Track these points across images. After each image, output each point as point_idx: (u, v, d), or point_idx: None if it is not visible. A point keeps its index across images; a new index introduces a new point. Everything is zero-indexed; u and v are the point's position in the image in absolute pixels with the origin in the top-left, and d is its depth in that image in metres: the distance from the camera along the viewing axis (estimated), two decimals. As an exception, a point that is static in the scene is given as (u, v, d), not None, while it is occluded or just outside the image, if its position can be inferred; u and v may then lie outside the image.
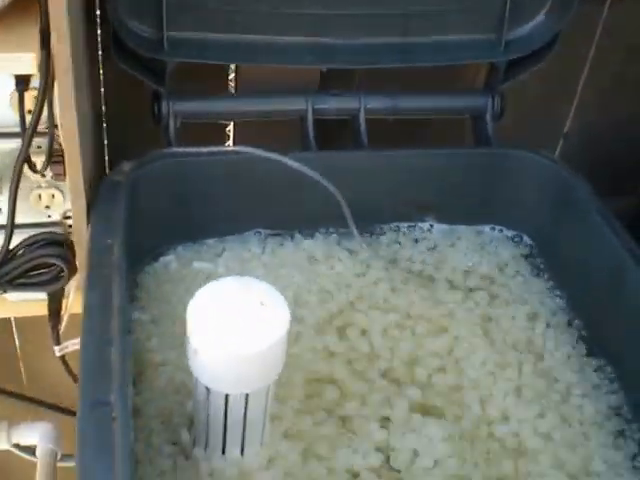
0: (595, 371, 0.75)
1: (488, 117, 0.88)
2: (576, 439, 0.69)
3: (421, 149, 0.86)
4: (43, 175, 0.73)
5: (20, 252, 0.75)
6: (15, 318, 1.09)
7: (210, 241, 0.84)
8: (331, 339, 0.75)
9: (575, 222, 0.81)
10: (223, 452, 0.64)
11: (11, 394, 1.02)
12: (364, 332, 0.77)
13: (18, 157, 0.69)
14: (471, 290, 0.82)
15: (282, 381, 0.69)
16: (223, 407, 0.60)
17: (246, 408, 0.60)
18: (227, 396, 0.59)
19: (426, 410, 0.70)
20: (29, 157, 0.70)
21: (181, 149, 0.79)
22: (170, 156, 0.78)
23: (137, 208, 0.75)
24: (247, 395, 0.59)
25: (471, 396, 0.71)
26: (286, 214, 0.84)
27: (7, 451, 0.99)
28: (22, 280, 0.76)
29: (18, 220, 0.80)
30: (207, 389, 0.59)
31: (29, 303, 0.84)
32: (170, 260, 0.81)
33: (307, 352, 0.73)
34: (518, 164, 0.85)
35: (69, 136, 0.63)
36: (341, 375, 0.72)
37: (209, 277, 0.80)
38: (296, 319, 0.75)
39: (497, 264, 0.86)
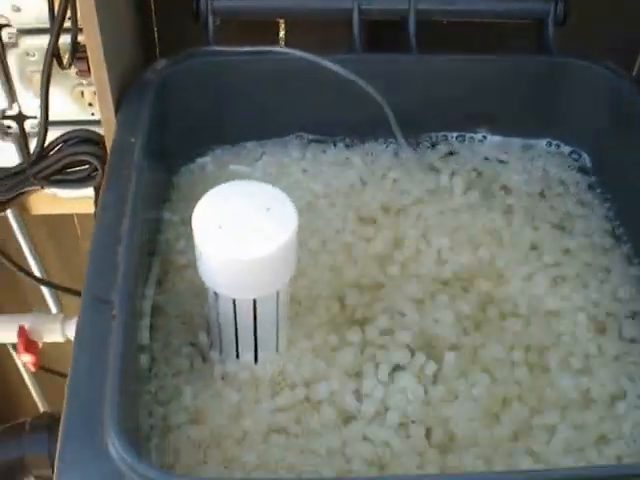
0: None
1: (550, 22, 0.81)
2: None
3: (474, 54, 0.81)
4: (75, 71, 0.72)
5: (56, 149, 0.75)
6: (77, 215, 1.11)
7: (249, 144, 0.82)
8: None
9: (636, 141, 0.75)
10: (237, 357, 0.63)
11: (68, 290, 1.05)
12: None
13: (47, 51, 0.68)
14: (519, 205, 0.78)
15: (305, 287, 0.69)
16: (232, 312, 0.59)
17: (255, 314, 0.59)
18: (234, 301, 0.58)
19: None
20: (58, 52, 0.69)
21: (218, 47, 0.77)
22: (206, 54, 0.76)
23: (170, 108, 0.74)
24: (254, 301, 0.58)
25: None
26: (329, 120, 0.81)
27: (62, 344, 1.03)
28: (58, 177, 0.76)
29: (62, 117, 0.80)
30: (215, 294, 0.59)
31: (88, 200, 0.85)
32: (206, 162, 0.80)
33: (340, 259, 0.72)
34: (579, 75, 0.79)
35: (89, 29, 0.62)
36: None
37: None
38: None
39: (550, 180, 0.81)
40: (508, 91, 0.81)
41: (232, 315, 0.59)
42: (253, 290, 0.57)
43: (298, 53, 0.75)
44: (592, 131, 0.81)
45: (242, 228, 0.55)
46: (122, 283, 0.54)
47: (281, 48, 0.76)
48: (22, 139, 0.82)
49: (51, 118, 0.75)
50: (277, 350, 0.64)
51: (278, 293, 0.59)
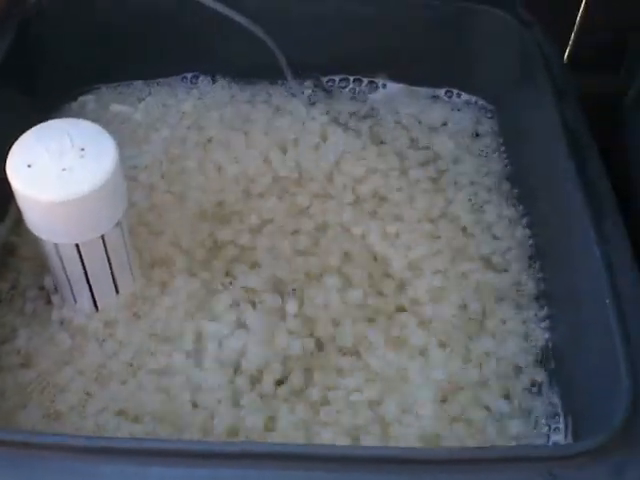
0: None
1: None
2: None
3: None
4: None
5: None
6: None
7: (136, 83, 0.79)
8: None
9: (532, 96, 0.71)
10: (75, 302, 0.62)
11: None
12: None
13: None
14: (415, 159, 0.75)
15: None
16: (57, 257, 0.57)
17: (82, 259, 0.57)
18: (57, 246, 0.56)
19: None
20: None
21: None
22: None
23: (46, 45, 0.71)
24: (77, 246, 0.56)
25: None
26: (217, 59, 0.78)
27: None
28: None
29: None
30: (37, 236, 0.57)
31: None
32: (88, 100, 0.77)
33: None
34: (482, 22, 0.75)
35: None
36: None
37: (125, 121, 0.76)
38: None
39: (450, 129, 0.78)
40: (408, 36, 0.77)
41: (59, 260, 0.57)
42: (72, 235, 0.55)
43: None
44: (495, 81, 0.77)
45: (51, 169, 0.53)
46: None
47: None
48: None
49: None
50: (117, 294, 0.62)
51: (103, 237, 0.57)
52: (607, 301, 0.54)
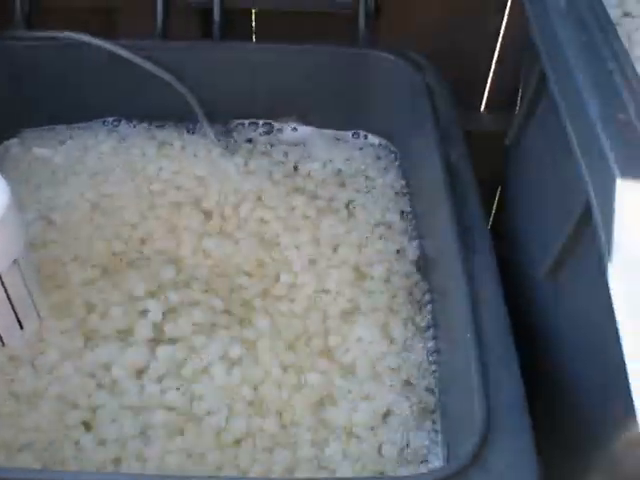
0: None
1: (360, 13, 0.82)
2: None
3: (277, 44, 0.82)
4: None
5: None
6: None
7: (60, 127, 0.83)
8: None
9: (421, 138, 0.76)
10: None
11: None
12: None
13: None
14: (318, 196, 0.79)
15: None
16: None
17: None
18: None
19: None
20: None
21: (19, 32, 0.78)
22: (9, 38, 0.78)
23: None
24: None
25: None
26: (136, 105, 0.83)
27: None
28: None
29: None
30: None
31: None
32: (12, 144, 0.82)
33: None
34: (381, 67, 0.80)
35: None
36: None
37: (46, 164, 0.81)
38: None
39: (355, 169, 0.82)
40: (314, 82, 0.82)
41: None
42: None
43: (93, 40, 0.77)
44: (395, 122, 0.82)
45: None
46: None
47: (75, 34, 0.77)
48: None
49: None
50: (22, 329, 0.66)
51: (0, 275, 0.61)
52: (468, 335, 0.58)
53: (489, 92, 0.93)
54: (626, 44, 0.56)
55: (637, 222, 0.44)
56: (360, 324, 0.68)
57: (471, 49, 0.90)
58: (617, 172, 0.45)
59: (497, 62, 0.91)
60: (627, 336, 0.43)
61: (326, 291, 0.70)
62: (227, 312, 0.68)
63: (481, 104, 0.93)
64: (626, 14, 0.62)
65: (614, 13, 0.60)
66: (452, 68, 0.79)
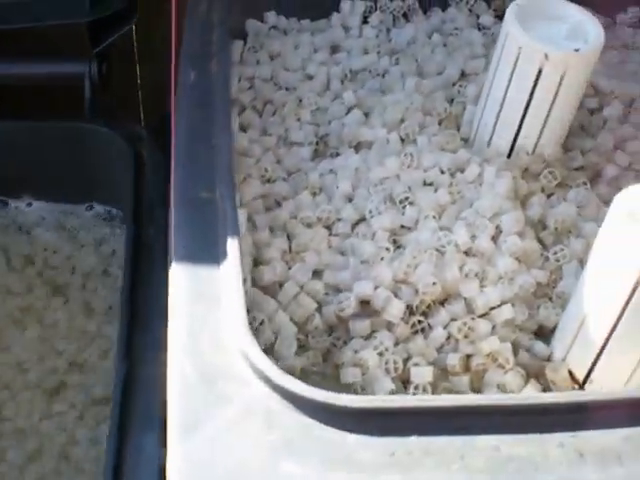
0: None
1: (87, 84, 0.80)
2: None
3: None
4: None
5: None
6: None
7: None
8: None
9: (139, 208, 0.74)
10: None
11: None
12: None
13: None
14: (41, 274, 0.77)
15: None
16: None
17: None
18: None
19: None
20: None
21: None
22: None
23: None
24: None
25: None
26: None
27: None
28: None
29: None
30: None
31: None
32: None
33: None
34: (96, 140, 0.78)
35: None
36: None
37: None
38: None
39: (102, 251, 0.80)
40: (44, 156, 0.80)
41: None
42: None
43: None
44: (125, 194, 0.80)
45: None
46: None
47: None
48: None
49: None
50: None
51: None
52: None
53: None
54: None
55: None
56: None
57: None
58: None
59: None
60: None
61: None
62: None
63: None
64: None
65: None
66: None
